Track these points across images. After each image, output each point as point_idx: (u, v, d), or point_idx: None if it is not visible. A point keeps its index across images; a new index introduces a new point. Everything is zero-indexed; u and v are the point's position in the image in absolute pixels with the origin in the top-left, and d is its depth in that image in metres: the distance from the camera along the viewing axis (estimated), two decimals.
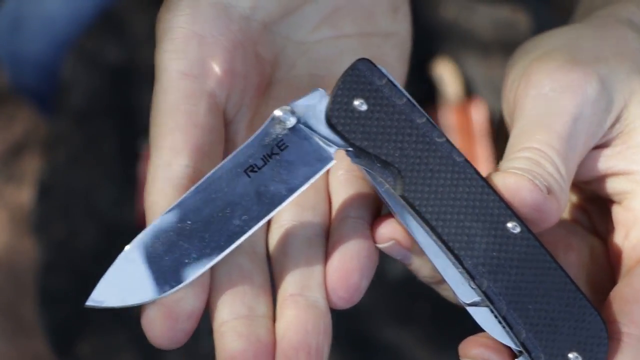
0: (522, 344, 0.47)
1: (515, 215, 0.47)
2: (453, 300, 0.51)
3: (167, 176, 0.47)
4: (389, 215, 0.49)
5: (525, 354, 0.47)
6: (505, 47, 1.08)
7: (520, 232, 0.47)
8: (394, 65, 0.56)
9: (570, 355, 0.47)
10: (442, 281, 0.49)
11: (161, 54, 0.50)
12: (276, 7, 0.53)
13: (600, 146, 0.51)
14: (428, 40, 1.07)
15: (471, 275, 0.47)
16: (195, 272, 0.46)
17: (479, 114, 1.05)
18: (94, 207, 1.06)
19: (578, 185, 0.54)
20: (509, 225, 0.47)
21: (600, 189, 0.52)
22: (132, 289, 0.46)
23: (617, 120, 0.51)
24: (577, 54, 0.51)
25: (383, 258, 0.50)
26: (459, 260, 0.47)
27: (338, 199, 0.51)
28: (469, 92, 1.07)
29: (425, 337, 0.95)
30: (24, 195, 1.56)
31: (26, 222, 1.48)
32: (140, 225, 1.10)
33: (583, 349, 0.47)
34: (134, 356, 1.00)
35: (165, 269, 0.46)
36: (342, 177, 0.51)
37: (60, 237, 1.05)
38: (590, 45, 0.52)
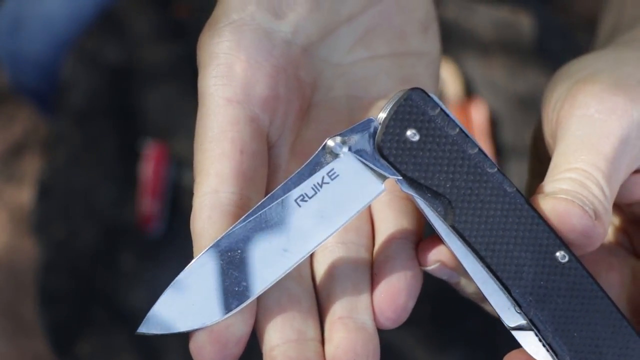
0: None
1: (564, 244, 0.47)
2: (494, 314, 0.51)
3: (215, 203, 0.48)
4: (434, 236, 0.50)
5: None
6: (505, 47, 1.08)
7: (569, 261, 0.47)
8: (428, 85, 0.56)
9: None
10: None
11: (206, 80, 0.50)
12: (315, 29, 0.53)
13: None
14: None
15: (518, 304, 0.47)
16: (245, 300, 0.46)
17: (479, 114, 1.05)
18: (94, 207, 1.06)
19: (619, 206, 0.54)
20: (558, 254, 0.47)
21: None
22: (183, 316, 0.46)
23: None
24: (622, 77, 0.51)
25: None
26: (506, 289, 0.47)
27: (381, 221, 0.52)
28: (469, 92, 1.07)
29: (425, 337, 0.95)
30: (24, 195, 1.56)
31: (26, 222, 1.48)
32: (140, 226, 1.10)
33: None
34: (134, 356, 1.00)
35: (215, 296, 0.46)
36: (385, 198, 0.52)
37: (60, 237, 1.05)
38: (634, 69, 0.52)
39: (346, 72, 0.55)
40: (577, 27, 1.55)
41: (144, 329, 0.46)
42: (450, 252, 0.49)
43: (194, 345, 0.46)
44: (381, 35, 0.56)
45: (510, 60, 1.08)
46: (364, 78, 0.55)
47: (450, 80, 1.07)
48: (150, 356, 0.99)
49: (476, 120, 1.04)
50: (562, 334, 0.47)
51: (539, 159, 0.56)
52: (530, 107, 1.06)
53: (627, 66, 0.52)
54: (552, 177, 0.49)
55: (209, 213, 0.48)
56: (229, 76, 0.50)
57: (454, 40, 1.09)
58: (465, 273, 0.49)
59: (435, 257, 0.50)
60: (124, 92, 1.09)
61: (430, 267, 0.50)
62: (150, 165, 1.05)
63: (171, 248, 1.03)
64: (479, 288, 0.48)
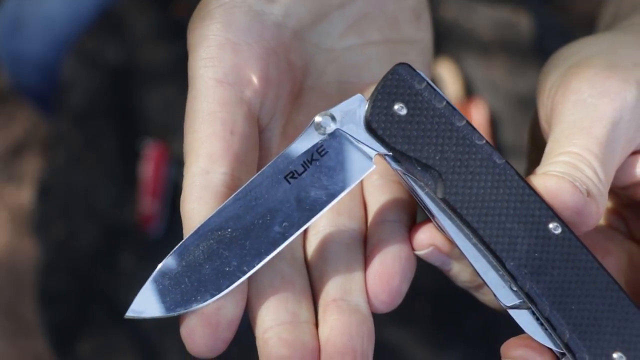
0: (566, 345, 0.47)
1: (557, 216, 0.47)
2: (491, 304, 0.51)
3: (206, 184, 0.47)
4: (427, 221, 0.50)
5: (569, 355, 0.47)
6: (505, 47, 1.08)
7: (562, 232, 0.47)
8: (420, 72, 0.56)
9: (615, 355, 0.47)
10: (481, 285, 0.50)
11: (195, 62, 0.50)
12: (306, 14, 0.53)
13: (638, 152, 0.52)
14: None
15: (513, 277, 0.47)
16: (236, 280, 0.46)
17: (479, 114, 1.05)
18: (94, 207, 1.06)
19: (615, 190, 0.54)
20: (551, 226, 0.47)
21: (637, 195, 0.53)
22: (172, 298, 0.46)
23: None
24: (615, 60, 0.51)
25: None
26: (500, 262, 0.47)
27: (374, 204, 0.51)
28: (469, 92, 1.08)
29: (425, 337, 0.95)
30: (24, 195, 1.56)
31: (26, 222, 1.48)
32: (140, 226, 1.10)
33: (627, 348, 0.47)
34: (134, 356, 1.00)
35: (205, 277, 0.46)
36: (377, 182, 0.52)
37: (60, 237, 1.05)
38: (628, 52, 0.52)
39: (338, 58, 0.55)
40: (577, 27, 1.54)
41: (132, 312, 0.46)
42: (444, 237, 0.49)
43: (184, 330, 0.45)
44: (373, 22, 0.56)
45: (510, 60, 1.08)
46: (356, 64, 0.55)
47: (450, 80, 1.07)
48: (150, 356, 0.99)
49: (476, 120, 1.04)
50: (559, 307, 0.47)
51: (537, 147, 0.56)
52: (530, 107, 1.05)
53: (622, 49, 0.52)
54: (546, 160, 0.49)
55: (200, 194, 0.47)
56: (219, 57, 0.49)
57: (454, 40, 1.09)
58: (458, 257, 0.49)
59: (429, 241, 0.49)
60: (124, 92, 1.09)
61: (424, 252, 0.49)
62: (150, 165, 1.05)
63: (171, 248, 1.03)
64: (473, 267, 0.48)
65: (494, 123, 1.06)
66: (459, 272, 0.50)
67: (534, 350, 0.48)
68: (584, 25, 1.55)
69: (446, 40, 1.08)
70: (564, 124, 0.50)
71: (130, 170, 1.07)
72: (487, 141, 0.48)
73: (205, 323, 0.45)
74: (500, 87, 1.07)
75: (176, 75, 1.09)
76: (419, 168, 0.48)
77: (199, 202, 0.47)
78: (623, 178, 0.51)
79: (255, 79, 0.50)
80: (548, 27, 1.10)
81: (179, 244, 0.46)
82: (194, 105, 0.49)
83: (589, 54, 0.52)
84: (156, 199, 1.04)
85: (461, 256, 0.49)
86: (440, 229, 0.49)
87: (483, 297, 0.52)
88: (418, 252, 0.49)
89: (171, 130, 1.08)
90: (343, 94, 0.53)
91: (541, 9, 1.13)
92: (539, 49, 1.08)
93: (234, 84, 0.49)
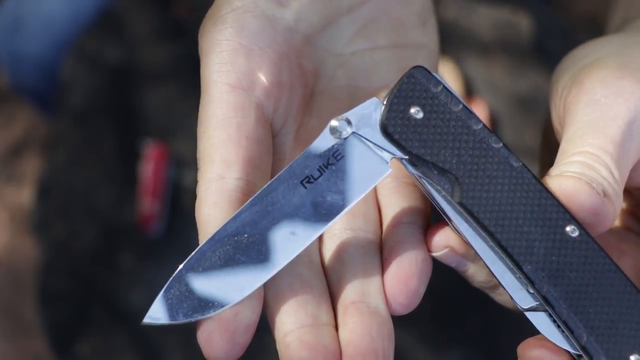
0: (583, 348, 0.47)
1: (574, 219, 0.47)
2: (507, 304, 0.51)
3: (221, 189, 0.47)
4: (442, 223, 0.50)
5: (586, 358, 0.47)
6: (505, 47, 1.08)
7: (579, 235, 0.47)
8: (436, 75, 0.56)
9: (632, 358, 0.47)
10: (497, 286, 0.50)
11: (209, 67, 0.50)
12: (317, 18, 0.53)
13: None
14: None
15: (530, 280, 0.47)
16: (254, 285, 0.46)
17: (479, 114, 1.05)
18: (94, 207, 1.06)
19: (629, 190, 0.54)
20: (568, 229, 0.47)
21: None
22: (189, 304, 0.45)
23: None
24: (627, 61, 0.51)
25: None
26: (518, 265, 0.47)
27: (389, 206, 0.52)
28: (469, 92, 1.08)
29: (425, 337, 0.95)
30: (24, 195, 1.56)
31: (26, 222, 1.48)
32: (140, 226, 1.09)
33: None
34: (134, 356, 1.00)
35: (222, 283, 0.46)
36: (391, 185, 0.52)
37: (60, 237, 1.05)
38: None
39: (347, 62, 0.55)
40: (577, 27, 1.54)
41: (149, 319, 0.46)
42: (459, 238, 0.49)
43: (202, 335, 0.45)
44: (380, 26, 0.56)
45: (510, 60, 1.08)
46: (364, 68, 0.55)
47: (450, 80, 1.07)
48: (150, 356, 0.99)
49: None
50: (577, 310, 0.47)
51: (550, 150, 0.56)
52: (530, 107, 1.06)
53: (633, 50, 0.52)
54: (560, 161, 0.49)
55: (215, 199, 0.47)
56: (233, 62, 0.50)
57: (454, 40, 1.09)
58: (474, 258, 0.49)
59: (444, 243, 0.49)
60: (124, 92, 1.09)
61: (439, 253, 0.50)
62: (150, 165, 1.05)
63: (171, 248, 1.03)
64: (490, 270, 0.48)
65: (494, 123, 1.06)
66: (474, 273, 0.50)
67: (551, 352, 0.48)
68: (584, 25, 1.55)
69: (446, 40, 1.08)
70: (577, 124, 0.49)
71: (130, 170, 1.07)
72: (503, 144, 0.48)
73: (223, 328, 0.45)
74: (500, 87, 1.07)
75: (176, 76, 1.09)
76: (436, 172, 0.48)
77: (215, 207, 0.47)
78: (637, 178, 0.51)
79: (268, 84, 0.50)
80: (548, 28, 1.10)
81: (196, 250, 0.46)
82: (208, 110, 0.49)
83: (600, 55, 0.52)
84: (156, 199, 1.03)
85: (477, 257, 0.49)
86: (457, 231, 0.49)
87: (499, 297, 0.52)
88: (434, 254, 0.50)
89: (171, 130, 1.08)
90: (353, 98, 0.54)
91: (541, 9, 1.13)
92: (539, 49, 1.08)
93: (247, 89, 0.49)
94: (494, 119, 1.06)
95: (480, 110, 1.05)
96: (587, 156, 0.48)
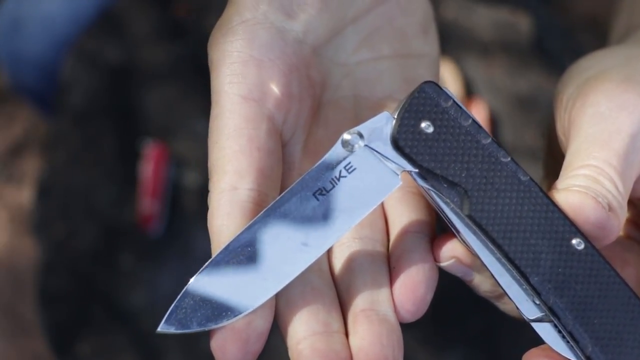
0: (588, 358, 0.48)
1: (579, 232, 0.48)
2: (511, 313, 0.52)
3: (234, 200, 0.48)
4: (449, 234, 0.50)
5: None
6: (505, 48, 1.08)
7: (585, 248, 0.48)
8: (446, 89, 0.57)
9: None
10: (502, 295, 0.50)
11: (219, 79, 0.50)
12: (324, 30, 0.54)
13: None
14: None
15: (537, 292, 0.48)
16: (266, 295, 0.47)
17: (479, 114, 1.05)
18: (94, 207, 1.06)
19: (632, 201, 0.55)
20: (574, 241, 0.48)
21: None
22: (203, 313, 0.46)
23: None
24: (633, 73, 0.52)
25: None
26: (525, 277, 0.48)
27: (395, 215, 0.52)
28: (469, 92, 1.08)
29: (425, 338, 0.95)
30: (24, 195, 1.56)
31: (26, 222, 1.48)
32: (140, 226, 1.09)
33: None
34: (134, 356, 1.00)
35: (236, 292, 0.46)
36: (397, 194, 0.52)
37: (60, 237, 1.05)
38: None
39: (351, 72, 0.56)
40: (577, 27, 1.55)
41: (164, 327, 0.46)
42: (465, 249, 0.50)
43: (215, 344, 0.46)
44: (384, 36, 0.56)
45: (510, 60, 1.08)
46: (369, 78, 0.56)
47: (450, 80, 1.07)
48: (150, 356, 0.99)
49: None
50: (582, 321, 0.47)
51: (553, 156, 0.57)
52: (530, 107, 1.06)
53: (638, 62, 0.53)
54: (565, 174, 0.50)
55: (228, 210, 0.48)
56: (244, 74, 0.50)
57: (454, 40, 1.09)
58: (480, 269, 0.50)
59: (450, 253, 0.50)
60: (124, 92, 1.09)
61: (446, 264, 0.50)
62: (150, 165, 1.05)
63: (171, 248, 1.03)
64: (496, 280, 0.49)
65: (494, 123, 1.06)
66: (480, 283, 0.51)
67: None
68: (584, 25, 1.55)
69: (446, 40, 1.08)
70: (582, 137, 0.50)
71: (130, 170, 1.07)
72: (512, 158, 0.49)
73: (236, 337, 0.46)
74: (500, 87, 1.07)
75: (176, 76, 1.09)
76: (445, 185, 0.49)
77: (228, 218, 0.48)
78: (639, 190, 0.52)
79: (279, 95, 0.51)
80: (548, 28, 1.10)
81: (210, 260, 0.47)
82: (220, 121, 0.50)
83: (604, 67, 0.53)
84: (156, 199, 1.04)
85: (482, 267, 0.49)
86: (465, 243, 0.49)
87: (504, 306, 0.53)
88: (440, 264, 0.50)
89: (171, 130, 1.08)
90: (358, 108, 0.55)
91: (541, 9, 1.13)
92: (539, 49, 1.08)
93: (259, 101, 0.50)
94: (494, 119, 1.06)
95: (480, 110, 1.05)
96: (592, 169, 0.49)
